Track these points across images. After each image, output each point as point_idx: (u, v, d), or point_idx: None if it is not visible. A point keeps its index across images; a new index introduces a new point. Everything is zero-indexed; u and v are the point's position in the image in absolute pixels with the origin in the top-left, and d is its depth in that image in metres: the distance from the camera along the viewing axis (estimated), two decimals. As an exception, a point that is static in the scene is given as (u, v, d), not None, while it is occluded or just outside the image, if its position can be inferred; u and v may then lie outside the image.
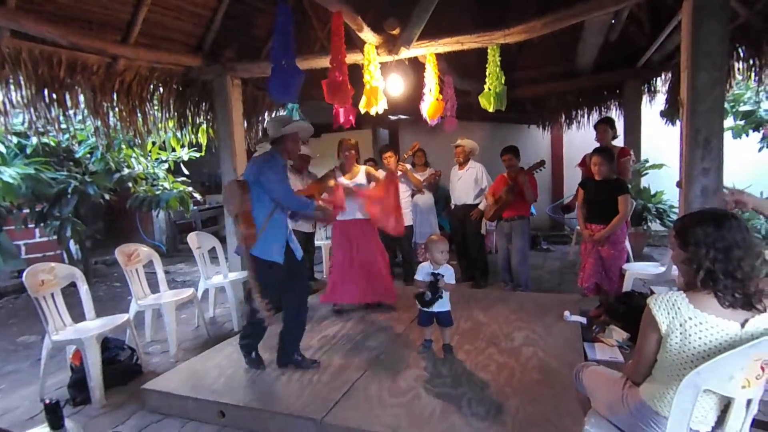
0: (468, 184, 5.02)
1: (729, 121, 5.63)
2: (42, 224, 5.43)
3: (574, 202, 4.14)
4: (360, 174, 4.01)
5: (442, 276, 2.92)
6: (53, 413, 2.12)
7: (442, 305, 3.00)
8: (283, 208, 2.93)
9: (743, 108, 5.65)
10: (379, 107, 3.68)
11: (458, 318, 3.77)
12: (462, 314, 3.85)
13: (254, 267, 2.79)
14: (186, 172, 6.36)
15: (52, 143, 5.22)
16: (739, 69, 4.51)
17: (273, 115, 5.82)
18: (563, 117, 7.01)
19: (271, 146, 2.98)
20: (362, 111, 3.72)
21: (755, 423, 1.56)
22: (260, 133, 5.78)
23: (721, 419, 1.48)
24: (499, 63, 3.77)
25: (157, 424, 2.65)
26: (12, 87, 3.44)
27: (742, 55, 4.41)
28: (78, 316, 3.25)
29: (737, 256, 1.44)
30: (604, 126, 4.35)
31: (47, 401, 2.13)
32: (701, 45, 2.74)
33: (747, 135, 5.63)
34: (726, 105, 4.82)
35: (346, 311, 4.12)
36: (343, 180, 3.94)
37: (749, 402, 1.44)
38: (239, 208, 2.78)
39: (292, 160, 4.15)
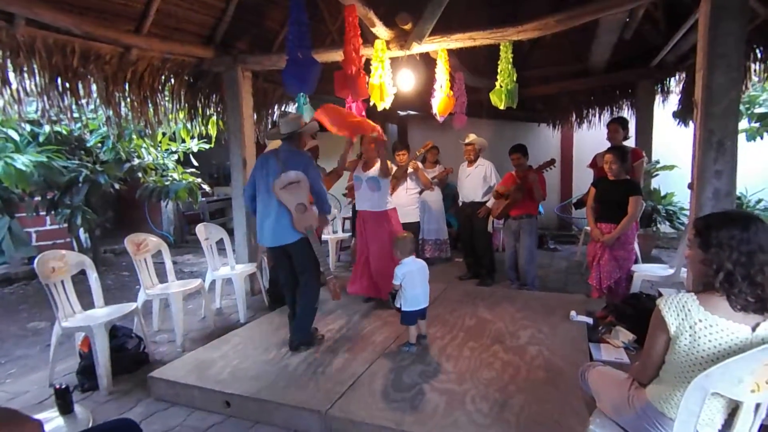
0: (477, 181, 5.00)
1: (743, 124, 5.56)
2: (53, 212, 5.49)
3: (587, 197, 4.12)
4: (375, 167, 3.98)
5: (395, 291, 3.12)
6: (63, 398, 2.16)
7: (420, 303, 3.10)
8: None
9: (758, 110, 5.57)
10: (386, 103, 3.67)
11: (463, 315, 3.78)
12: (467, 311, 3.85)
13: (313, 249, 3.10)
14: (195, 163, 6.40)
15: (65, 132, 5.27)
16: (755, 70, 4.44)
17: (284, 112, 5.84)
18: (574, 116, 6.96)
19: (287, 141, 3.16)
20: (380, 107, 3.72)
21: (763, 428, 1.54)
22: (270, 126, 5.80)
23: (728, 423, 1.47)
24: (511, 60, 3.74)
25: (164, 412, 2.68)
26: (26, 75, 3.47)
27: (759, 56, 4.34)
28: (87, 303, 3.29)
29: (760, 260, 1.41)
30: (616, 125, 4.31)
31: (57, 386, 2.16)
32: (718, 45, 2.70)
33: (761, 137, 5.54)
34: (741, 107, 4.75)
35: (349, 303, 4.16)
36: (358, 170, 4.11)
37: (758, 406, 1.43)
38: (305, 197, 3.04)
39: None
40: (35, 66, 3.47)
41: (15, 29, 3.21)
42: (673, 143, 6.17)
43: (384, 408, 2.41)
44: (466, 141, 5.05)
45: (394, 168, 4.34)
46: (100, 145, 5.55)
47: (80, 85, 3.83)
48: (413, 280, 3.05)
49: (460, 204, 5.27)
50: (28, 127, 4.94)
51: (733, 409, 1.45)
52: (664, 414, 1.50)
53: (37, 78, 3.52)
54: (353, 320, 3.78)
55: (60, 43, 3.54)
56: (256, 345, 3.31)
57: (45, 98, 3.60)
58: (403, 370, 2.84)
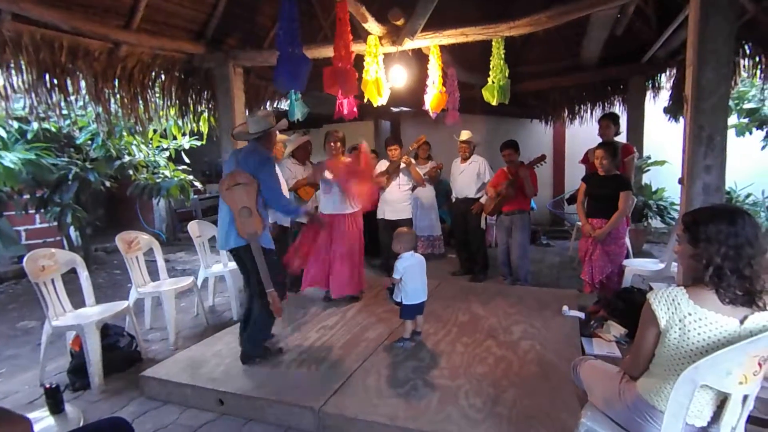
0: (470, 177, 5.00)
1: (733, 119, 5.61)
2: (42, 210, 5.43)
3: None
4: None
5: (392, 286, 3.14)
6: (53, 398, 2.15)
7: (420, 296, 3.10)
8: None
9: (748, 105, 5.63)
10: (383, 99, 3.65)
11: (457, 311, 3.79)
12: (461, 307, 3.86)
13: (264, 257, 2.81)
14: (187, 160, 6.35)
15: (53, 129, 5.20)
16: (744, 66, 4.47)
17: (278, 108, 5.82)
18: (566, 112, 6.97)
19: (254, 141, 2.95)
20: (376, 103, 3.69)
21: (750, 419, 1.57)
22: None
23: (717, 414, 1.49)
24: (503, 56, 3.75)
25: (156, 411, 2.67)
26: (13, 71, 3.41)
27: (748, 51, 4.37)
28: (78, 302, 3.26)
29: (748, 253, 1.43)
30: (607, 121, 4.34)
31: (47, 386, 2.15)
32: (708, 41, 2.72)
33: (750, 133, 5.61)
34: (730, 102, 4.79)
35: (340, 300, 4.14)
36: (327, 174, 3.92)
37: (745, 398, 1.45)
38: (250, 200, 2.76)
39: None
40: (22, 62, 3.41)
41: (1, 24, 3.16)
42: (663, 139, 6.21)
43: (377, 404, 2.42)
44: (462, 139, 5.04)
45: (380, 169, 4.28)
46: (89, 142, 5.49)
47: (69, 82, 3.77)
48: (413, 274, 3.06)
49: (453, 200, 5.28)
50: (15, 124, 4.87)
51: (722, 401, 1.47)
52: (655, 407, 1.51)
53: (25, 74, 3.46)
54: (346, 317, 3.77)
55: (48, 38, 3.48)
56: (249, 342, 3.30)
57: (33, 95, 3.54)
58: (397, 366, 2.85)
